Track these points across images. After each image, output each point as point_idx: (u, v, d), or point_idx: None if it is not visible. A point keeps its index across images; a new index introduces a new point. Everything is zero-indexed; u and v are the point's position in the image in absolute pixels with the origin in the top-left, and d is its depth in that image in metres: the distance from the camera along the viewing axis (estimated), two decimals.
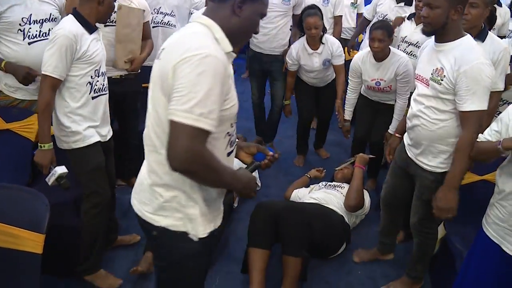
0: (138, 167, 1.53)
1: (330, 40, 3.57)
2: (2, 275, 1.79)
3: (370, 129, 3.45)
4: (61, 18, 2.40)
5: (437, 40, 2.03)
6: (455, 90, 1.93)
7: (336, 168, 3.26)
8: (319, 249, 2.64)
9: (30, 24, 2.46)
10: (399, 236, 2.89)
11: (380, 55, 3.06)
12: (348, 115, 3.52)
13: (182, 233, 1.39)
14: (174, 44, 1.29)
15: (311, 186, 3.25)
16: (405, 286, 2.51)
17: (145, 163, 1.47)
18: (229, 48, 1.33)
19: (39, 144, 2.18)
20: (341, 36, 4.44)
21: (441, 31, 1.97)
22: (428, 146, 2.13)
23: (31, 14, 2.46)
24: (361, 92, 3.44)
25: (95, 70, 2.22)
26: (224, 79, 1.24)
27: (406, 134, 2.34)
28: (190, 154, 1.18)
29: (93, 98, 2.24)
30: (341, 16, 4.35)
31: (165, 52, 1.31)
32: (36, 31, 2.48)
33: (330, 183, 3.18)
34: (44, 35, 2.51)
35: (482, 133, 1.90)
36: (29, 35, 2.47)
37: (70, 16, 2.15)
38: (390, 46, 3.09)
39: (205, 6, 2.63)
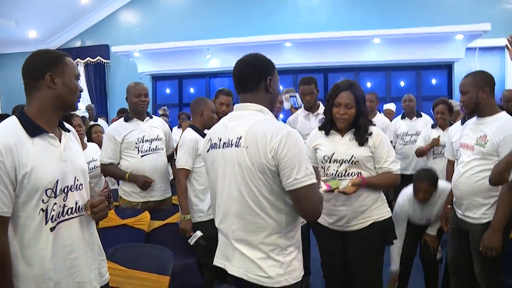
0: None
1: None
2: None
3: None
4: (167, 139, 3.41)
5: (479, 116, 2.59)
6: (498, 151, 2.42)
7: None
8: None
9: (143, 142, 3.26)
10: None
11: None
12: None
13: None
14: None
15: None
16: None
17: None
18: None
19: (182, 216, 3.01)
20: None
21: (478, 109, 2.55)
22: (471, 201, 2.54)
23: (144, 135, 3.27)
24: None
25: None
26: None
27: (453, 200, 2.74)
28: None
29: None
30: None
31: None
32: (147, 147, 3.26)
33: None
34: (152, 150, 3.28)
35: None
36: (141, 150, 3.24)
37: (189, 129, 3.16)
38: None
39: None
